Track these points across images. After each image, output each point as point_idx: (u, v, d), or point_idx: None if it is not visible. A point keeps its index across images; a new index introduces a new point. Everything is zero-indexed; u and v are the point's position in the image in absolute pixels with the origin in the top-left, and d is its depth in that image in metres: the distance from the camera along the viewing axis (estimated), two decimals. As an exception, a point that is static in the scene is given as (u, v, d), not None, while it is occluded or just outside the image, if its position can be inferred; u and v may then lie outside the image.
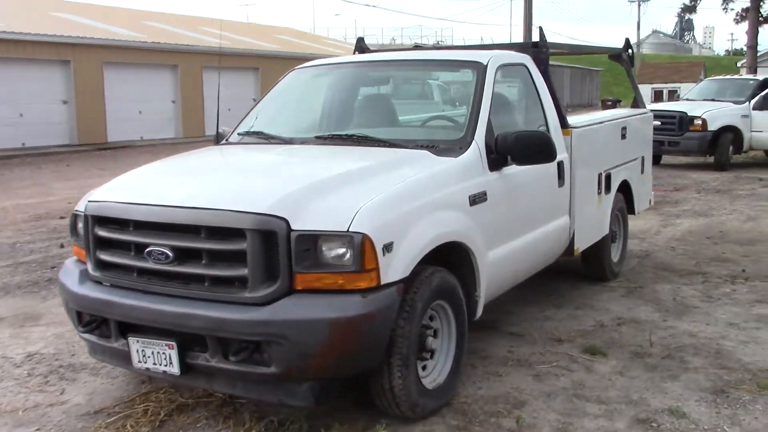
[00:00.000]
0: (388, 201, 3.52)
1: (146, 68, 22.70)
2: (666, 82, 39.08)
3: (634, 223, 9.61)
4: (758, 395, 4.15)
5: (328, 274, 3.35)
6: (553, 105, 5.35)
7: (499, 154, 4.37)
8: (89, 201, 3.91)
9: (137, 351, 3.60)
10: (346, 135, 4.50)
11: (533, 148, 4.32)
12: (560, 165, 5.20)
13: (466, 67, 4.80)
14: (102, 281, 3.82)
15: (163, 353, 3.52)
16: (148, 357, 3.57)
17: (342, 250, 3.35)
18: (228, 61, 25.62)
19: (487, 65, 4.72)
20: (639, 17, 66.85)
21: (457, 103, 4.68)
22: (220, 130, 5.24)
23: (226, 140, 5.08)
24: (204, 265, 3.46)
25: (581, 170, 5.60)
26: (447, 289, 3.91)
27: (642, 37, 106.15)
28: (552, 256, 5.37)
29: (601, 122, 6.08)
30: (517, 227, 4.64)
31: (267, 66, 27.18)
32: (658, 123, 15.96)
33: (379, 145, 4.32)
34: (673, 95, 29.60)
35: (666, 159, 17.26)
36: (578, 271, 6.74)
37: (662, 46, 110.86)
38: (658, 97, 35.69)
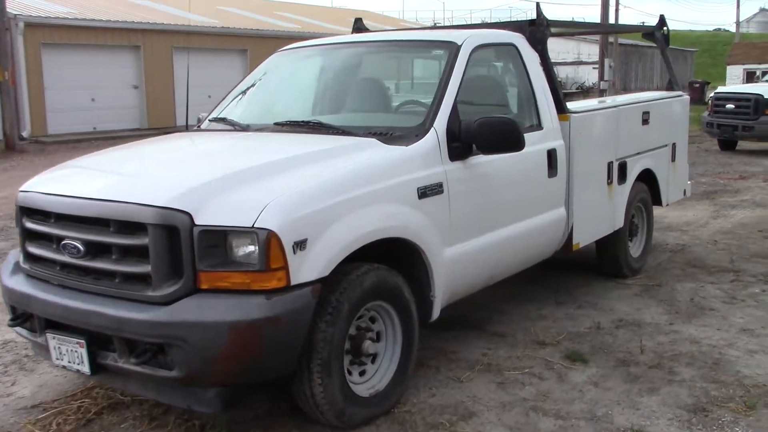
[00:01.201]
0: (305, 194, 3.26)
1: (216, 53, 22.93)
2: (760, 63, 36.83)
3: (681, 213, 9.03)
4: (742, 416, 3.68)
5: (235, 273, 3.13)
6: (548, 88, 4.94)
7: (463, 143, 4.03)
8: (19, 191, 3.81)
9: (54, 348, 3.47)
10: (303, 121, 4.25)
11: (497, 136, 3.96)
12: (552, 153, 4.79)
13: (438, 48, 4.45)
14: (30, 274, 3.71)
15: (75, 351, 3.37)
16: (64, 354, 3.44)
17: (248, 248, 3.11)
18: (279, 44, 25.51)
19: (461, 46, 4.36)
20: (739, -7, 63.06)
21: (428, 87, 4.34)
22: (199, 116, 5.08)
23: (198, 126, 4.92)
24: (113, 260, 3.29)
25: (583, 158, 5.17)
26: (387, 289, 3.62)
27: (749, 15, 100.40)
28: (542, 253, 4.97)
29: (610, 107, 5.59)
30: (489, 221, 4.28)
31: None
32: (732, 106, 15.10)
33: (331, 133, 4.04)
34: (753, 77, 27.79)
35: (742, 145, 16.23)
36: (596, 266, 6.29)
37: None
38: (750, 78, 33.66)
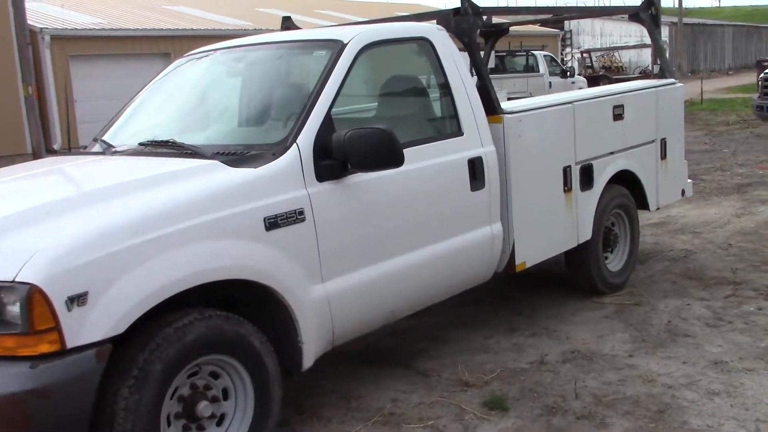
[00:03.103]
0: (88, 238, 2.71)
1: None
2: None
3: (702, 211, 8.14)
4: (663, 489, 2.97)
5: (3, 337, 2.61)
6: (472, 87, 4.26)
7: (335, 160, 3.42)
8: None
9: None
10: (162, 141, 3.69)
11: (370, 150, 3.33)
12: (475, 162, 4.12)
13: (321, 48, 3.83)
14: None
15: None
16: None
17: (15, 306, 2.59)
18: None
19: (346, 44, 3.74)
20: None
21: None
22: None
23: (86, 147, 4.45)
24: None
25: (524, 165, 4.48)
26: (225, 340, 3.05)
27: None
28: (470, 278, 4.29)
29: (561, 103, 4.85)
30: (381, 249, 3.65)
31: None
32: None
33: (181, 154, 3.49)
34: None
35: (797, 127, 14.92)
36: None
37: None
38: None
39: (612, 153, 5.28)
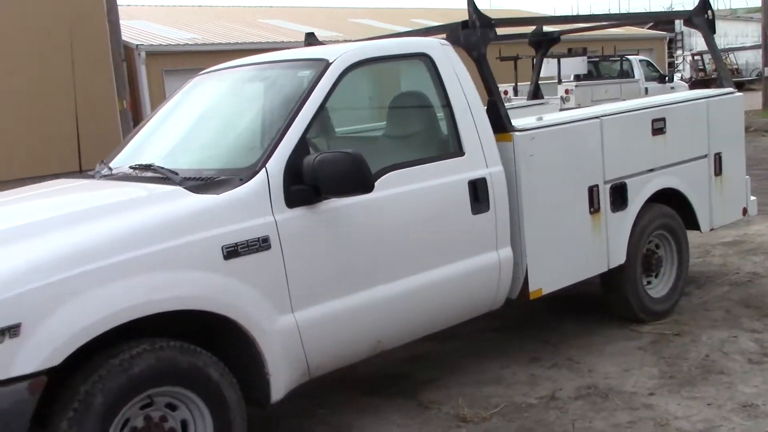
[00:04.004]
0: (21, 269, 2.68)
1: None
2: None
3: (787, 231, 7.49)
4: None
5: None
6: (477, 104, 4.03)
7: (307, 185, 3.29)
8: None
9: None
10: (146, 165, 3.66)
11: (338, 175, 3.19)
12: (478, 184, 3.89)
13: (305, 68, 3.70)
14: None
15: None
16: None
17: (-52, 337, 2.60)
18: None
19: (331, 63, 3.60)
20: None
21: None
22: None
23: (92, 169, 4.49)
24: None
25: (539, 185, 4.20)
26: (178, 372, 2.96)
27: None
28: (474, 306, 4.04)
29: (586, 118, 4.53)
30: (362, 277, 3.48)
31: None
32: None
33: (156, 179, 3.44)
34: None
35: None
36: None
37: None
38: None
39: (651, 170, 4.90)
